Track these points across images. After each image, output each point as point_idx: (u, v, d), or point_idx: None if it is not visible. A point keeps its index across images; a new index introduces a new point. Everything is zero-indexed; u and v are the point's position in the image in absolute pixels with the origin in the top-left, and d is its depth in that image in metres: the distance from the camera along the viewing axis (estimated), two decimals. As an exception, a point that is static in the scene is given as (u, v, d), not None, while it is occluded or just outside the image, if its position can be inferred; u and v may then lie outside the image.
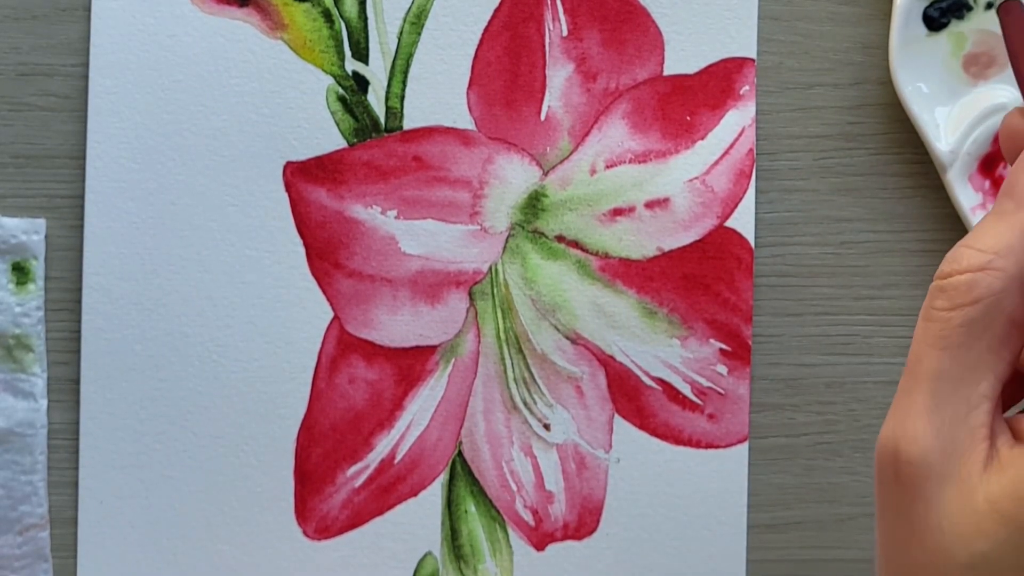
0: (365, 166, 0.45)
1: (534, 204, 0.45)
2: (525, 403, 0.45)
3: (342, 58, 0.45)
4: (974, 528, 0.31)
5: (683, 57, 0.45)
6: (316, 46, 0.45)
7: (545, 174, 0.45)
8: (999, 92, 0.45)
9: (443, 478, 0.45)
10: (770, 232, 0.46)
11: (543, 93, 0.45)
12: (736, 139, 0.45)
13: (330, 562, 0.45)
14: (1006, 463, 0.31)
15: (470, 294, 0.45)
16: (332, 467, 0.45)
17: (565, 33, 0.45)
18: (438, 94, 0.45)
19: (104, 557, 0.45)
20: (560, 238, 0.45)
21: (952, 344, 0.32)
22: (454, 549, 0.45)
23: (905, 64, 0.45)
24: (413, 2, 0.45)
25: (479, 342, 0.45)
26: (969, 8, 0.45)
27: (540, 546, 0.46)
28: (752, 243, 0.45)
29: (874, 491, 0.33)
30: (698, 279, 0.45)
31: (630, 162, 0.45)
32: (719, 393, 0.45)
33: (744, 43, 0.45)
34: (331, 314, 0.45)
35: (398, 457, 0.45)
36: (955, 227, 0.46)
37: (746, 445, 0.45)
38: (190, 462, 0.45)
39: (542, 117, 0.45)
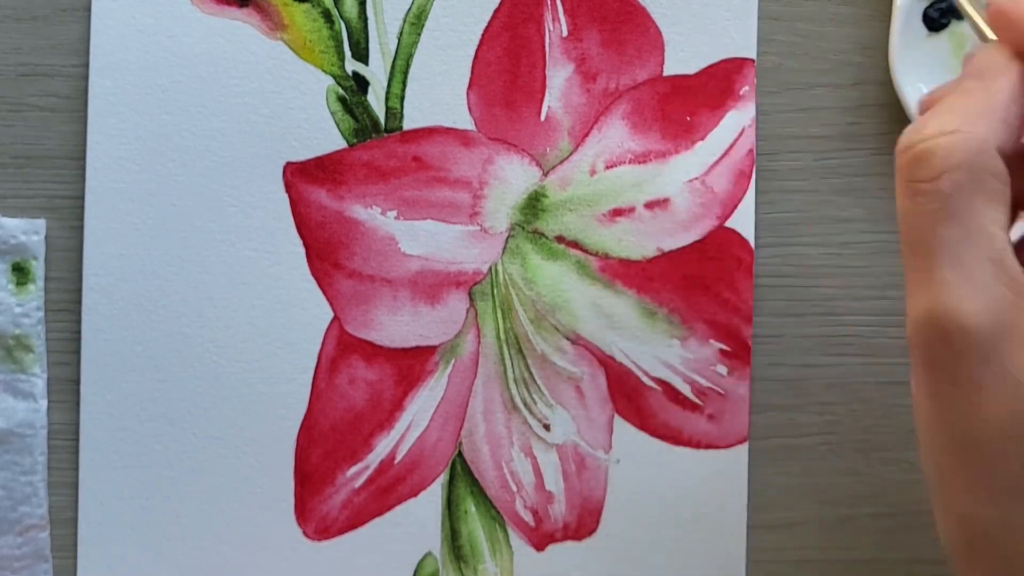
0: (365, 166, 0.45)
1: (534, 204, 0.45)
2: (525, 403, 0.45)
3: (342, 58, 0.45)
4: None
5: (683, 57, 0.45)
6: (316, 46, 0.45)
7: (545, 174, 0.45)
8: (999, 92, 0.45)
9: (443, 478, 0.45)
10: (770, 232, 0.46)
11: (543, 93, 0.45)
12: (736, 140, 0.45)
13: (330, 562, 0.45)
14: None
15: (470, 294, 0.45)
16: (332, 467, 0.45)
17: (565, 34, 0.45)
18: (438, 94, 0.45)
19: (104, 557, 0.45)
20: (560, 238, 0.45)
21: (952, 212, 0.32)
22: (454, 549, 0.45)
23: (905, 65, 0.45)
24: (413, 3, 0.45)
25: (479, 342, 0.45)
26: (969, 8, 0.45)
27: (540, 546, 0.46)
28: (752, 243, 0.45)
29: (915, 368, 0.33)
30: (698, 279, 0.45)
31: (630, 162, 0.45)
32: (719, 393, 0.45)
33: (744, 43, 0.45)
34: (331, 314, 0.45)
35: (398, 458, 0.45)
36: (955, 227, 0.46)
37: (746, 446, 0.45)
38: (190, 462, 0.45)
39: (542, 117, 0.45)
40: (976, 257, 0.32)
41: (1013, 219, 0.35)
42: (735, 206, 0.45)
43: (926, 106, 0.36)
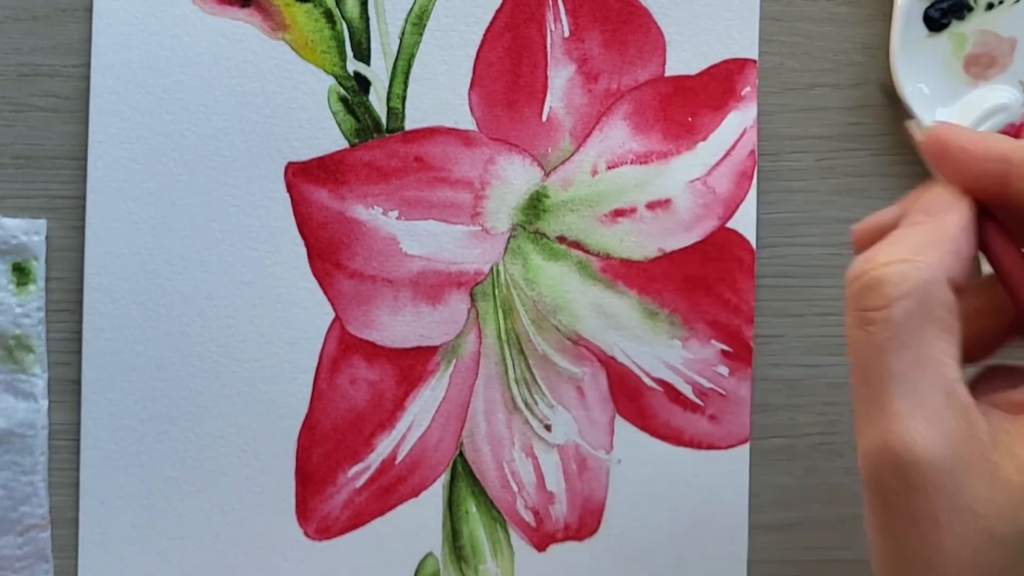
0: (366, 167, 0.45)
1: (535, 205, 0.45)
2: (526, 404, 0.45)
3: (344, 59, 0.45)
4: (1014, 501, 0.30)
5: (685, 58, 0.45)
6: (318, 47, 0.45)
7: (547, 175, 0.45)
8: (1000, 92, 0.45)
9: (444, 479, 0.45)
10: (771, 233, 0.46)
11: (545, 94, 0.45)
12: (738, 140, 0.45)
13: (331, 562, 0.45)
14: (1018, 433, 0.31)
15: (471, 295, 0.45)
16: (333, 467, 0.45)
17: (567, 34, 0.45)
18: (440, 95, 0.45)
19: (105, 557, 0.45)
20: (561, 239, 0.45)
21: (904, 341, 0.31)
22: (455, 550, 0.45)
23: (906, 65, 0.45)
24: (415, 3, 0.45)
25: (480, 343, 0.45)
26: (970, 9, 0.45)
27: (541, 547, 0.46)
28: (753, 244, 0.45)
29: (870, 504, 0.32)
30: (699, 280, 0.45)
31: (631, 163, 0.45)
32: (720, 394, 0.45)
33: (746, 44, 0.45)
34: (332, 314, 0.45)
35: (399, 458, 0.45)
36: (956, 228, 0.46)
37: (747, 446, 0.45)
38: (191, 462, 0.45)
39: (543, 118, 0.45)
40: (928, 387, 0.31)
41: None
42: (736, 207, 0.45)
43: (860, 235, 0.35)
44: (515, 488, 0.45)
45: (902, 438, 0.31)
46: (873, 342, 0.32)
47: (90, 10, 0.44)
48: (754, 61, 0.45)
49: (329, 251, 0.45)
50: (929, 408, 0.31)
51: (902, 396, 0.31)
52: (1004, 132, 0.45)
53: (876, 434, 0.31)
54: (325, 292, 0.45)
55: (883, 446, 0.31)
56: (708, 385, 0.45)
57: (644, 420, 0.45)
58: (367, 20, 0.45)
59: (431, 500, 0.45)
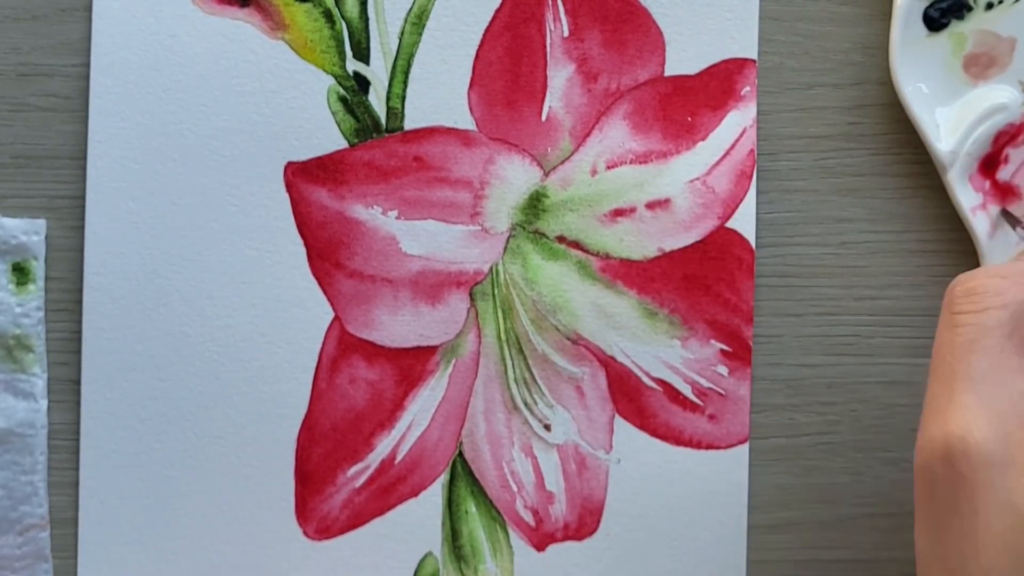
0: (366, 166, 0.45)
1: (535, 204, 0.45)
2: (526, 403, 0.45)
3: (343, 58, 0.45)
4: None
5: (684, 58, 0.45)
6: (317, 46, 0.45)
7: (546, 174, 0.45)
8: (999, 92, 0.45)
9: (444, 478, 0.45)
10: (771, 232, 0.46)
11: (544, 93, 0.45)
12: (737, 140, 0.45)
13: (330, 562, 0.45)
14: None
15: (471, 294, 0.45)
16: (333, 467, 0.45)
17: (566, 33, 0.45)
18: (439, 94, 0.45)
19: (105, 557, 0.45)
20: (561, 239, 0.45)
21: (987, 346, 0.33)
22: (455, 549, 0.45)
23: (905, 64, 0.45)
24: (414, 2, 0.45)
25: (480, 342, 0.45)
26: (969, 8, 0.45)
27: (540, 546, 0.46)
28: (753, 244, 0.45)
29: (918, 493, 0.33)
30: (699, 280, 0.45)
31: (631, 163, 0.45)
32: (720, 394, 0.45)
33: (745, 44, 0.45)
34: (332, 314, 0.45)
35: (399, 457, 0.45)
36: (955, 227, 0.46)
37: (747, 446, 0.45)
38: (190, 462, 0.45)
39: (543, 117, 0.45)
40: (1000, 392, 0.32)
41: None
42: (736, 206, 0.45)
43: None
44: (514, 488, 0.45)
45: (960, 428, 0.32)
46: (958, 342, 0.33)
47: (90, 10, 0.44)
48: (753, 61, 0.45)
49: (328, 251, 0.45)
50: (994, 409, 0.32)
51: (971, 392, 0.33)
52: (1004, 132, 0.45)
53: (937, 426, 0.33)
54: (324, 292, 0.45)
55: (940, 436, 0.33)
56: (707, 385, 0.45)
57: (643, 420, 0.45)
58: (366, 20, 0.45)
59: (430, 500, 0.45)
